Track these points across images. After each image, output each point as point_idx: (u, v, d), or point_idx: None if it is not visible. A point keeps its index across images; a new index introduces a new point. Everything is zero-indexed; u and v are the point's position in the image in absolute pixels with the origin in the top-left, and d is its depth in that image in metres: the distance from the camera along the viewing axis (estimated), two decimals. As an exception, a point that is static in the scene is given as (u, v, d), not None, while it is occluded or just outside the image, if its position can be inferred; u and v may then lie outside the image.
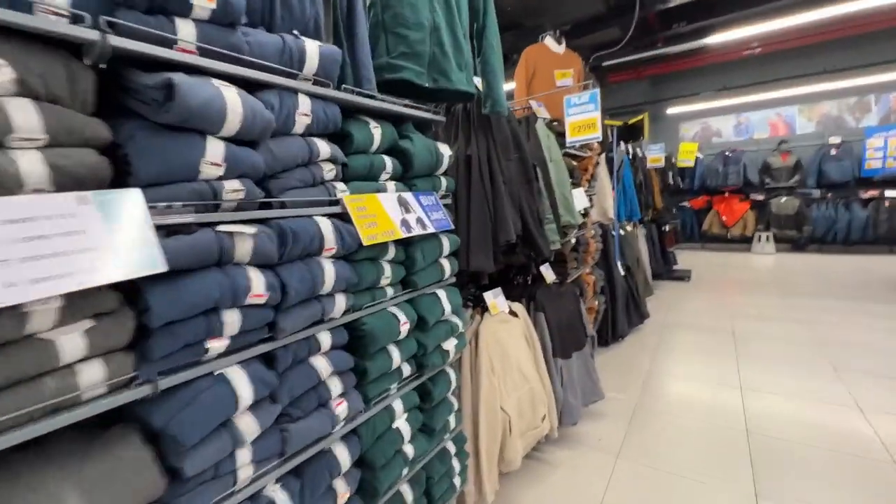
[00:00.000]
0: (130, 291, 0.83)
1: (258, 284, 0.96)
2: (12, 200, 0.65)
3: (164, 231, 0.87)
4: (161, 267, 0.79)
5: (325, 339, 1.19)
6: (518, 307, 2.28)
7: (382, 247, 1.35)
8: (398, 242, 1.43)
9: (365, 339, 1.29)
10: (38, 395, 0.70)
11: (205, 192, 0.90)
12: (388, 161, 1.43)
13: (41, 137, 0.72)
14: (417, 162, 1.49)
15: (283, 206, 1.10)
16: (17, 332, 0.68)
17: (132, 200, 0.78)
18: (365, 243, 1.22)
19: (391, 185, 1.45)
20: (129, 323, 0.80)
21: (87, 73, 0.78)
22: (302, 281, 1.07)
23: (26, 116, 0.70)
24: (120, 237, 0.75)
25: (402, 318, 1.41)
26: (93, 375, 0.76)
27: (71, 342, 0.73)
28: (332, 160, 1.23)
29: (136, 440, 0.84)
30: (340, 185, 1.27)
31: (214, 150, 0.91)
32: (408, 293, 1.50)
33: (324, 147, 1.18)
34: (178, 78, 0.82)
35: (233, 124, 0.93)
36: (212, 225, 0.93)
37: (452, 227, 1.61)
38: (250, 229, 0.95)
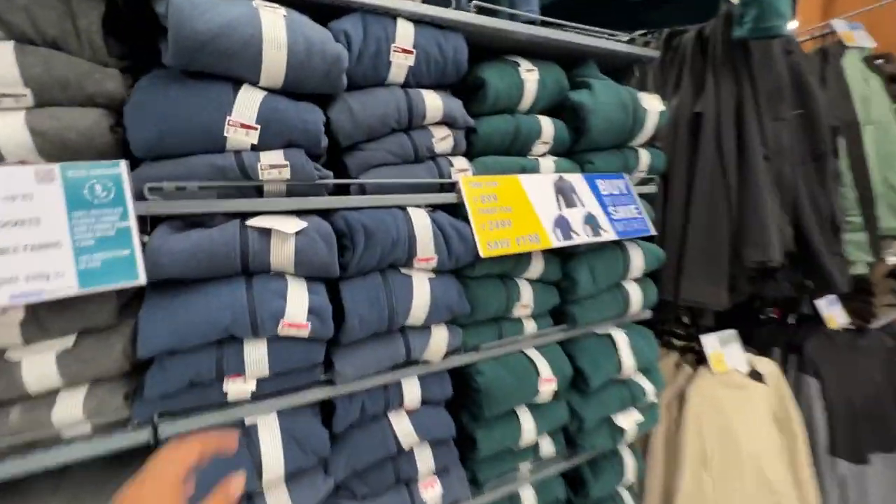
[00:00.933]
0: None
1: (297, 308, 0.64)
2: (-76, 175, 0.47)
3: (180, 223, 0.63)
4: (136, 277, 0.54)
5: (413, 390, 0.80)
6: (766, 364, 1.40)
7: (520, 258, 0.87)
8: (552, 252, 0.92)
9: (479, 395, 0.85)
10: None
11: (229, 168, 0.61)
12: (548, 125, 0.91)
13: (21, 93, 0.54)
14: (598, 125, 0.92)
15: (362, 190, 0.74)
16: (-27, 348, 0.53)
17: (111, 178, 0.55)
18: (484, 254, 0.76)
19: (548, 161, 0.93)
20: (118, 345, 0.59)
21: (90, 3, 0.58)
22: (373, 305, 0.71)
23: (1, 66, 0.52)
24: (85, 231, 0.53)
25: (546, 370, 0.90)
26: (69, 411, 0.57)
27: (38, 366, 0.55)
28: (448, 122, 0.81)
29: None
30: (460, 162, 0.84)
31: (246, 104, 0.61)
32: (560, 331, 0.97)
33: (434, 102, 0.77)
34: (180, -5, 0.54)
35: (275, 64, 0.61)
36: (243, 217, 0.65)
37: (653, 231, 0.97)
38: (292, 225, 0.63)
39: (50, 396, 0.57)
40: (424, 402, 0.82)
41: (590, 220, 0.89)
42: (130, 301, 0.63)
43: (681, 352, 1.45)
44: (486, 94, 0.84)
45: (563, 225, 0.86)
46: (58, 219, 0.52)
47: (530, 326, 0.93)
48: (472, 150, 0.87)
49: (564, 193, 0.89)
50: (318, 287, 0.68)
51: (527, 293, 0.89)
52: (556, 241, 0.83)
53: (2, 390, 0.54)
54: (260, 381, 0.66)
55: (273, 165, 0.63)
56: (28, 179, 0.51)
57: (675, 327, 1.55)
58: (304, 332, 0.65)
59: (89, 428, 0.59)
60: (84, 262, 0.52)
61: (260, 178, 0.63)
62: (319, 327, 0.66)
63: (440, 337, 0.79)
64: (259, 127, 0.62)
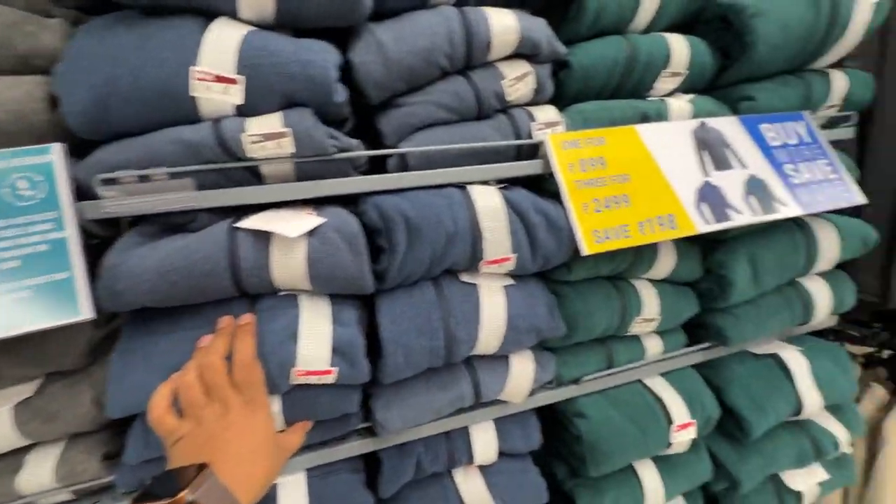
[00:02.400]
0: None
1: (315, 348, 0.44)
2: None
3: (154, 228, 0.46)
4: (78, 312, 0.38)
5: (486, 439, 0.58)
6: None
7: (641, 251, 0.58)
8: (689, 238, 0.61)
9: (582, 446, 0.60)
10: None
11: (204, 144, 0.42)
12: (680, 47, 0.60)
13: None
14: (769, 37, 0.58)
15: (402, 165, 0.52)
16: None
17: (40, 169, 0.38)
18: (588, 250, 0.50)
19: (681, 102, 0.62)
20: (86, 395, 0.44)
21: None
22: (423, 330, 0.49)
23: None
24: (9, 247, 0.37)
25: (680, 409, 0.62)
26: (37, 476, 0.44)
27: None
28: (527, 53, 0.54)
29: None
30: (547, 112, 0.57)
31: (218, 46, 0.41)
32: (699, 351, 0.68)
33: (505, 22, 0.51)
34: None
35: (254, -21, 0.40)
36: (238, 213, 0.46)
37: (861, 199, 0.62)
38: (297, 225, 0.43)
39: (15, 458, 0.44)
40: (503, 454, 0.59)
41: (756, 188, 0.57)
42: (112, 333, 0.48)
43: (864, 365, 1.04)
44: (583, 5, 0.55)
45: (713, 197, 0.55)
46: (-26, 233, 0.37)
47: (654, 347, 0.65)
48: (564, 94, 0.59)
49: (711, 148, 0.58)
50: (346, 311, 0.47)
51: (651, 301, 0.60)
52: (704, 224, 0.53)
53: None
54: (275, 438, 0.48)
55: (267, 135, 0.43)
56: None
57: (848, 326, 1.13)
58: (329, 379, 0.45)
59: (69, 494, 0.47)
60: (8, 293, 0.37)
61: (248, 154, 0.43)
62: (348, 371, 0.45)
63: (523, 370, 0.55)
64: (242, 78, 0.41)
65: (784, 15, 0.58)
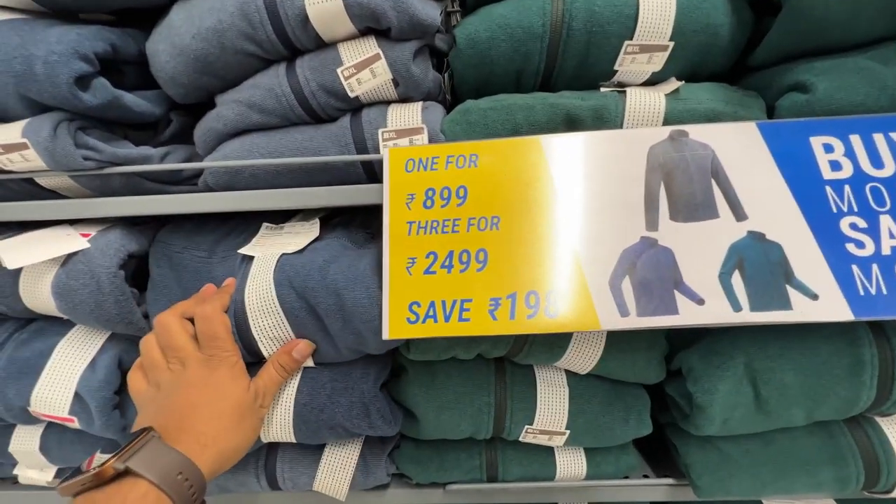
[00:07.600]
0: None
1: (53, 388, 0.38)
2: None
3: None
4: None
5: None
6: None
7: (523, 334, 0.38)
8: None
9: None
10: None
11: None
12: (657, 3, 0.35)
13: None
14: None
15: (206, 185, 0.41)
16: None
17: None
18: (389, 334, 0.33)
19: (647, 96, 0.37)
20: None
21: None
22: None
23: None
24: None
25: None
26: None
27: None
28: (374, 28, 0.37)
29: None
30: (403, 114, 0.39)
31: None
32: (661, 486, 0.44)
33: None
34: None
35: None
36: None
37: None
38: (60, 246, 0.37)
39: None
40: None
41: (754, 260, 0.31)
42: None
43: None
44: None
45: (649, 269, 0.32)
46: None
47: (571, 467, 0.43)
48: (461, 86, 0.40)
49: (677, 180, 0.33)
50: (102, 354, 0.40)
51: (552, 406, 0.40)
52: (616, 317, 0.31)
53: None
54: (58, 473, 0.45)
55: (7, 147, 0.36)
56: None
57: None
58: (73, 426, 0.39)
59: None
60: None
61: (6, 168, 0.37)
62: (87, 422, 0.39)
63: (337, 464, 0.41)
64: (-35, 80, 0.35)
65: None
